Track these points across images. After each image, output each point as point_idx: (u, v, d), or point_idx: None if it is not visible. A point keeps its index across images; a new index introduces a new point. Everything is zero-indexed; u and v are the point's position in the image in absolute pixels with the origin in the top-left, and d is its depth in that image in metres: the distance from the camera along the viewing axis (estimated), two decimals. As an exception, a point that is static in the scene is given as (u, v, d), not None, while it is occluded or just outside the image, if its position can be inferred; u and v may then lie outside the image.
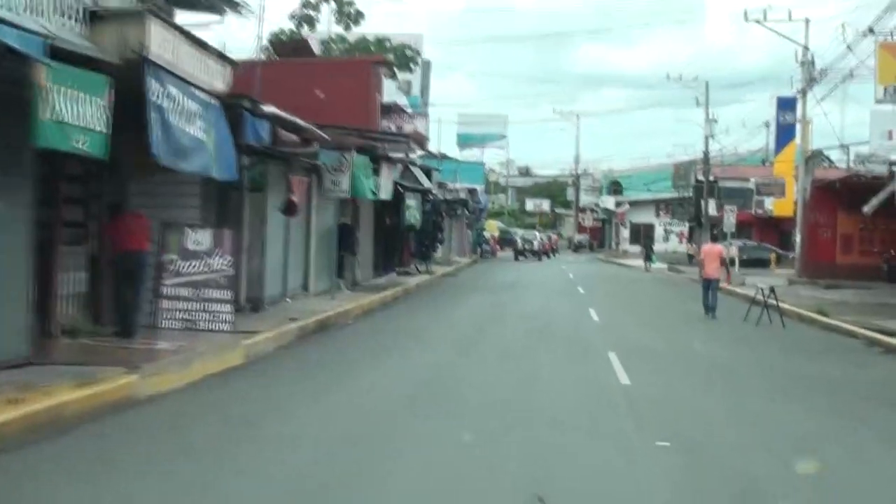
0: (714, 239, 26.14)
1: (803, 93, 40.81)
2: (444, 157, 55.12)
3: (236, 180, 19.02)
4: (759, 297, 23.29)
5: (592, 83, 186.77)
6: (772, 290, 22.82)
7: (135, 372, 11.03)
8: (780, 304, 22.99)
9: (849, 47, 30.60)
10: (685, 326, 21.94)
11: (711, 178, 65.13)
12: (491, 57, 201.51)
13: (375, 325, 20.33)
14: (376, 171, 26.78)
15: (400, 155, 35.00)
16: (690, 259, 58.89)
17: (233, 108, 14.17)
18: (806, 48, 40.39)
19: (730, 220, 41.74)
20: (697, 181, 68.91)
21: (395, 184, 31.88)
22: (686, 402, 11.77)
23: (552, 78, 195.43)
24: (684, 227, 79.13)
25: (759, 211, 59.83)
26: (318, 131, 18.30)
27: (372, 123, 31.20)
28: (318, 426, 9.67)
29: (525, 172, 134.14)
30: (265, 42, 32.57)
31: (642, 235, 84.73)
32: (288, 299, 21.61)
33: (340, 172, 23.09)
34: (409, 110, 39.00)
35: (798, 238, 41.36)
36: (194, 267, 14.71)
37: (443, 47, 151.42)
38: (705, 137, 61.99)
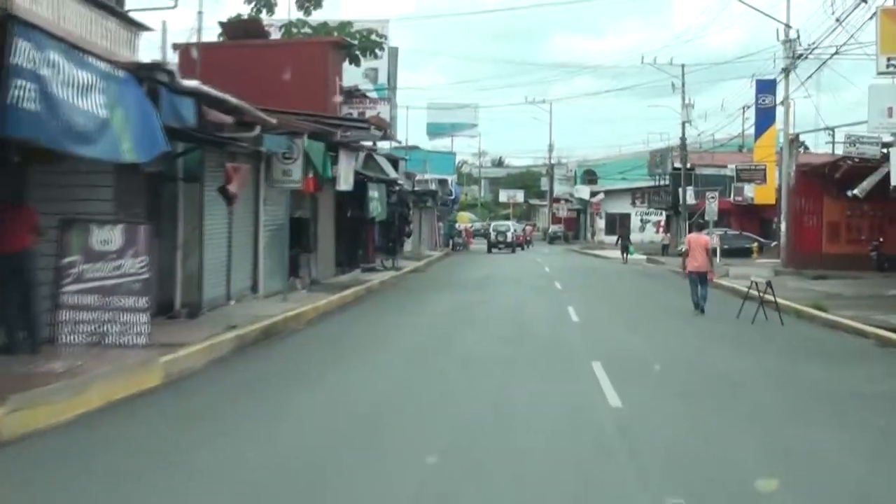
0: (701, 228, 23.86)
1: (786, 73, 38.76)
2: (412, 148, 52.82)
3: (167, 170, 16.82)
4: (753, 291, 21.21)
5: (564, 73, 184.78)
6: (768, 284, 20.69)
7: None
8: (767, 297, 20.80)
9: (838, 20, 28.48)
10: (674, 326, 19.77)
11: (689, 165, 63.33)
12: (461, 49, 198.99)
13: (328, 330, 18.03)
14: (334, 160, 24.49)
15: (364, 143, 32.74)
16: (665, 249, 57.00)
17: (144, 81, 11.81)
18: (787, 25, 38.40)
19: (712, 207, 39.75)
20: (674, 168, 66.99)
21: (357, 174, 29.58)
22: (695, 432, 9.41)
23: (523, 69, 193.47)
24: (661, 217, 77.21)
25: (739, 198, 57.85)
26: (259, 112, 15.95)
27: (331, 109, 28.89)
28: (208, 480, 7.40)
29: (498, 163, 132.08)
30: (218, 24, 30.13)
31: (618, 226, 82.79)
32: (232, 302, 19.28)
33: (292, 161, 20.79)
34: (374, 95, 36.69)
35: (783, 226, 39.33)
36: (101, 270, 12.32)
37: (412, 38, 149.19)
38: (682, 123, 60.03)
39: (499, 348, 15.42)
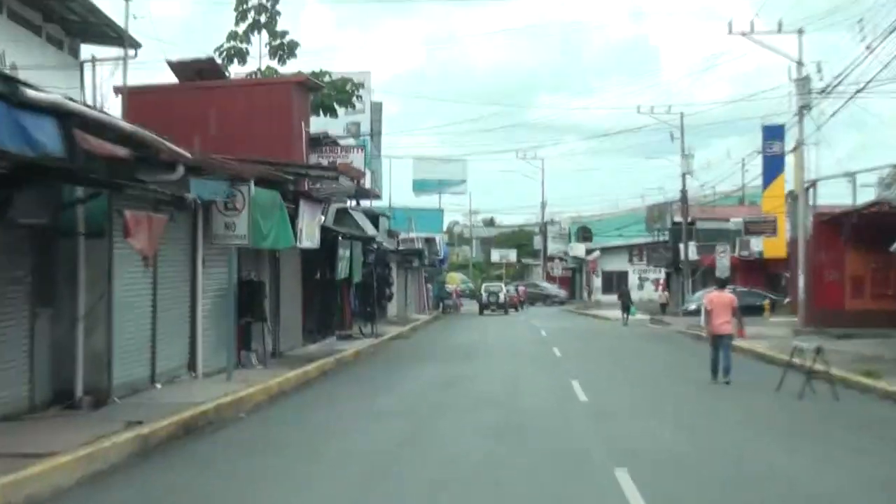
0: (723, 285, 20.19)
1: (799, 114, 35.46)
2: (389, 209, 49.17)
3: (60, 222, 13.18)
4: (798, 359, 17.57)
5: (554, 132, 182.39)
6: (818, 351, 16.98)
7: None
8: (817, 366, 17.07)
9: (868, 47, 25.15)
10: (706, 405, 15.98)
11: (689, 219, 59.91)
12: (450, 114, 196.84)
13: (273, 420, 14.21)
14: (294, 213, 20.89)
15: (341, 197, 29.23)
16: (664, 308, 53.52)
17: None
18: (800, 63, 35.20)
19: (723, 263, 36.29)
20: (674, 223, 63.57)
21: (328, 230, 25.99)
22: None
23: (513, 133, 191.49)
24: (660, 274, 73.61)
25: (745, 253, 54.43)
26: (172, 146, 12.30)
27: (297, 157, 25.34)
28: None
29: (489, 223, 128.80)
30: (166, 63, 26.66)
31: (615, 284, 79.11)
32: (159, 385, 15.51)
33: (235, 212, 17.15)
34: (349, 143, 33.25)
35: (800, 281, 35.72)
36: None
37: (402, 103, 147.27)
38: (682, 175, 56.66)
39: (488, 446, 11.59)
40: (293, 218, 21.08)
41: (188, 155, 13.00)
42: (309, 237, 22.00)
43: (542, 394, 17.16)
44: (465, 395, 17.05)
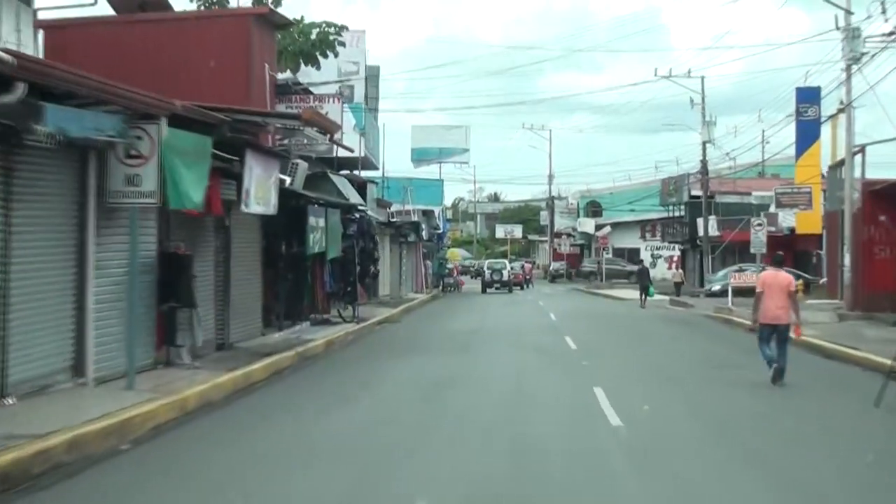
0: (780, 264, 15.32)
1: (847, 70, 30.64)
2: (382, 178, 44.25)
3: None
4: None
5: (562, 109, 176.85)
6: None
7: None
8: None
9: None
10: (798, 433, 11.23)
11: (708, 192, 55.03)
12: (457, 88, 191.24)
13: (156, 460, 9.56)
14: (238, 169, 16.19)
15: (310, 152, 24.59)
16: (678, 288, 48.85)
17: None
18: (848, 11, 30.34)
19: (759, 238, 31.60)
20: (692, 197, 58.82)
21: (298, 196, 21.33)
22: None
23: (520, 107, 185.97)
24: (675, 251, 68.89)
25: (771, 228, 49.61)
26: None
27: (256, 104, 20.59)
28: None
29: (494, 199, 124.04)
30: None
31: (629, 260, 74.30)
32: (10, 401, 10.86)
33: (140, 161, 12.44)
34: (322, 91, 28.43)
35: (847, 260, 30.98)
36: None
37: (408, 77, 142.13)
38: (703, 143, 51.80)
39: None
40: (238, 176, 16.41)
41: (5, 57, 8.30)
42: (260, 200, 17.27)
43: (557, 411, 12.40)
44: (450, 413, 12.31)
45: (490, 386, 14.85)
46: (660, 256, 73.47)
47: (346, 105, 51.50)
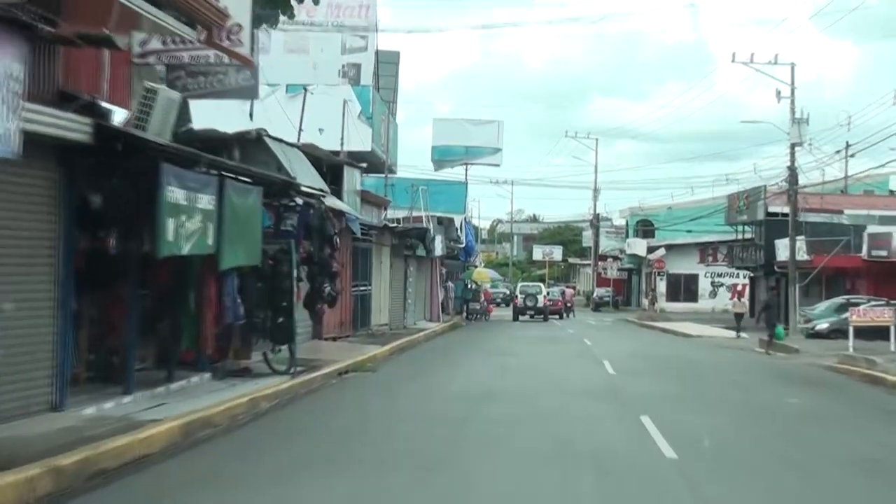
0: None
1: None
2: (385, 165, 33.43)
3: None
4: None
5: (606, 137, 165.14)
6: None
7: None
8: None
9: None
10: None
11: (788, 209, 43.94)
12: (501, 114, 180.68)
13: None
14: None
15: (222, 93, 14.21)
16: (739, 321, 38.18)
17: None
18: None
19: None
20: (769, 214, 47.67)
21: (143, 147, 10.81)
22: None
23: (564, 134, 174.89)
24: (740, 279, 57.61)
25: (880, 253, 38.60)
26: None
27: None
28: None
29: (532, 219, 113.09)
30: None
31: (682, 289, 63.03)
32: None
33: None
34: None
35: None
36: None
37: (453, 101, 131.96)
38: (790, 146, 40.63)
39: None
40: None
41: None
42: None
43: None
44: None
45: None
46: (721, 284, 62.10)
47: (351, 87, 41.25)
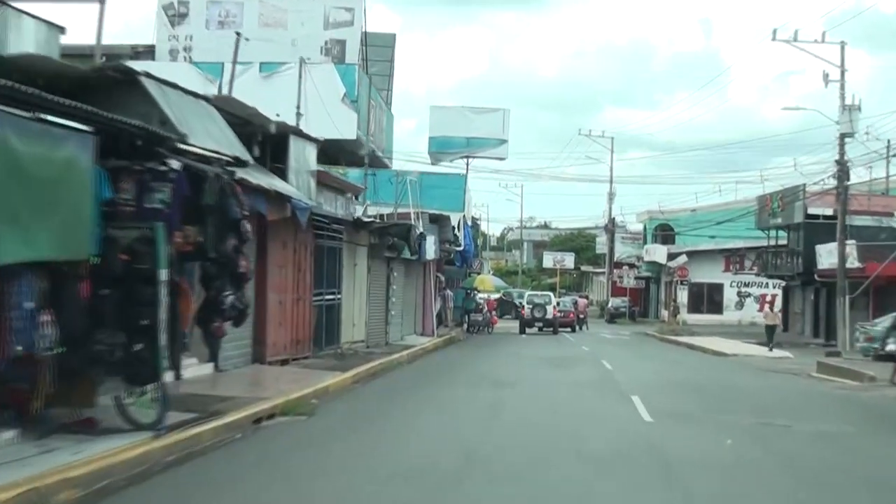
0: None
1: None
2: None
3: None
4: None
5: (617, 146, 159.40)
6: None
7: None
8: None
9: None
10: None
11: (833, 210, 38.30)
12: (512, 123, 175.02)
13: None
14: None
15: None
16: (771, 334, 32.79)
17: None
18: None
19: None
20: (808, 216, 41.93)
21: None
22: None
23: (575, 140, 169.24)
24: (770, 289, 51.83)
25: (951, 259, 32.91)
26: None
27: None
28: None
29: (543, 226, 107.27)
30: None
31: (706, 299, 57.27)
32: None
33: None
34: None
35: None
36: None
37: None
38: (840, 137, 34.94)
39: None
40: None
41: None
42: None
43: None
44: None
45: None
46: (748, 295, 56.31)
47: (334, 66, 35.74)
